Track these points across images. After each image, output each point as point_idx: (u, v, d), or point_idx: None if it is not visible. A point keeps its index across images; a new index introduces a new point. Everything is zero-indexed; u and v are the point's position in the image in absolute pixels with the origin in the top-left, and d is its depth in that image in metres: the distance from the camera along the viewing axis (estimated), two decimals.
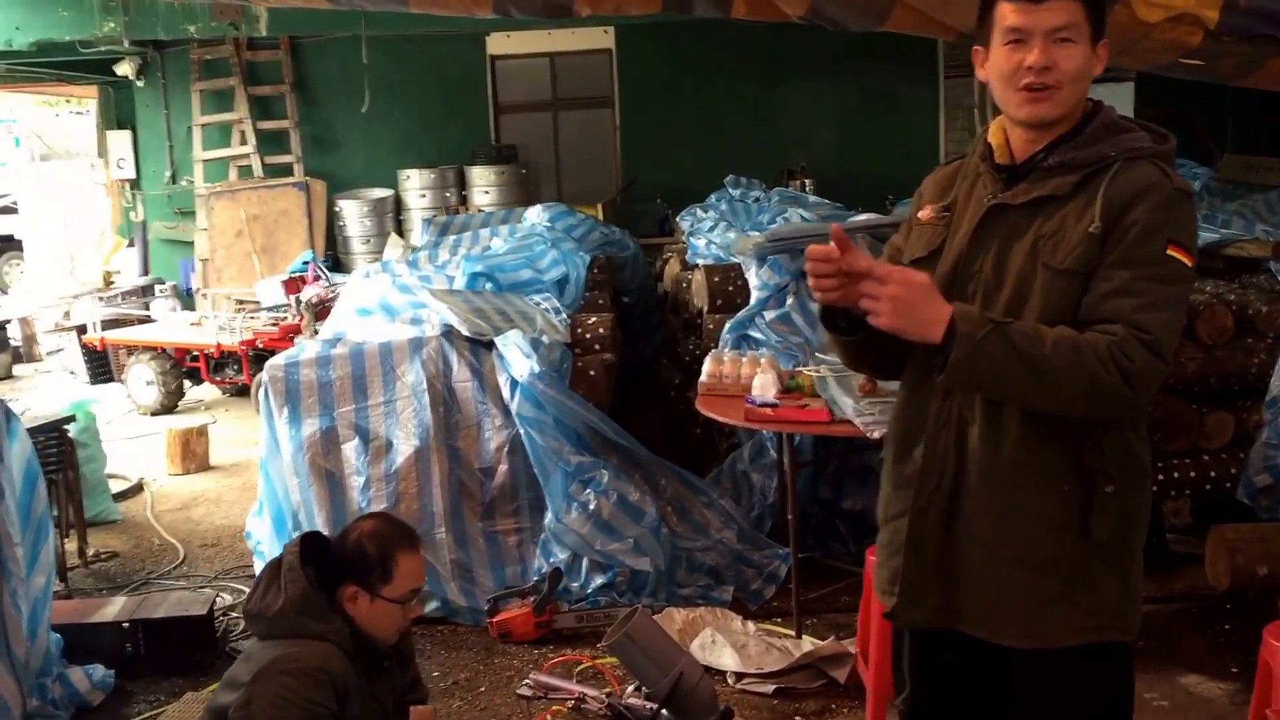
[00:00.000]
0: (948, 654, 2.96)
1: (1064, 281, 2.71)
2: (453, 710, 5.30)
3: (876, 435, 5.20)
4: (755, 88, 14.32)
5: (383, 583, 3.60)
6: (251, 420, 9.65)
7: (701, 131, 14.11)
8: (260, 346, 10.87)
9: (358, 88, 13.69)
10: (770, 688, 5.27)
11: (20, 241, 19.73)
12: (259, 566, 6.48)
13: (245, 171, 14.53)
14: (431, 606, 6.18)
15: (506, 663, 5.75)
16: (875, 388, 5.41)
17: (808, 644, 5.57)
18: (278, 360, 6.75)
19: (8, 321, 15.08)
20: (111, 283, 15.26)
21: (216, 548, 7.69)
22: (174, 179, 14.92)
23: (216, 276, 14.04)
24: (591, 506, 6.17)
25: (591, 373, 6.93)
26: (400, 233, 13.94)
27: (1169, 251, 2.68)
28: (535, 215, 9.32)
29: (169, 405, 11.69)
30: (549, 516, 6.29)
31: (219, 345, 11.11)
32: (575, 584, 6.19)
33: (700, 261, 8.12)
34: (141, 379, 11.66)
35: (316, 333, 8.67)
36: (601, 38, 14.36)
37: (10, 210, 20.66)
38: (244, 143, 14.52)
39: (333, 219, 14.19)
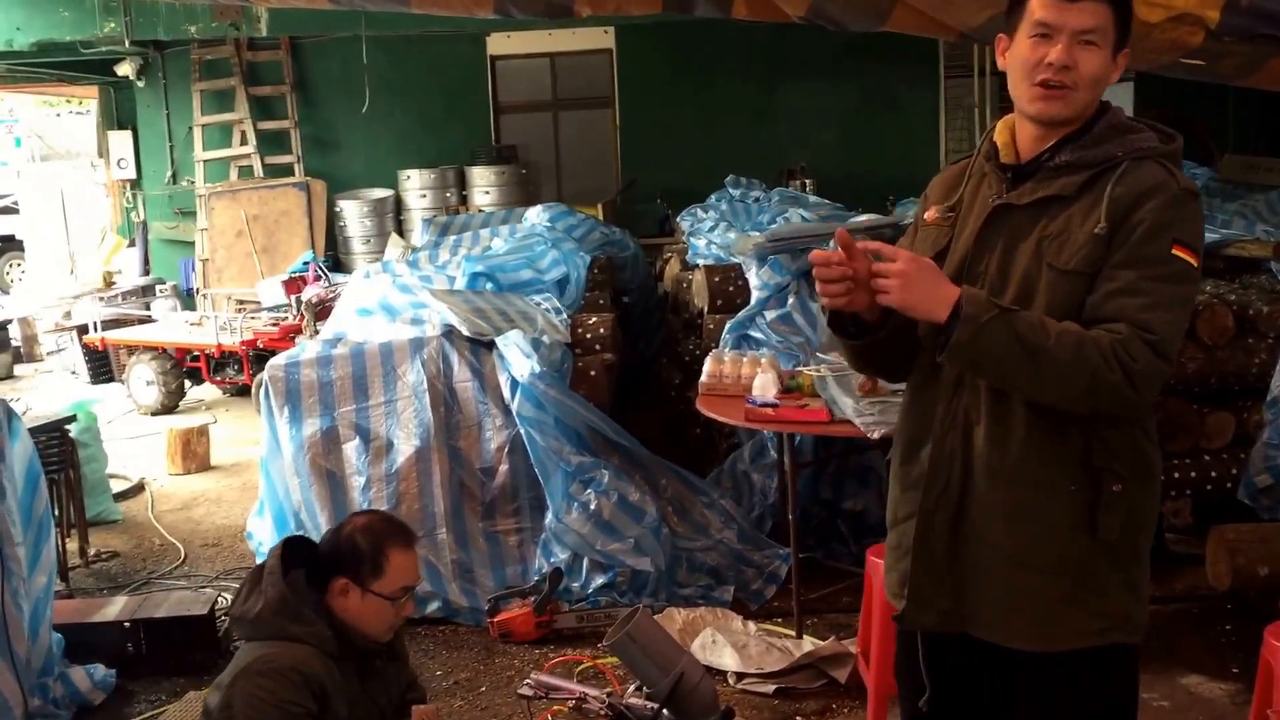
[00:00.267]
0: (955, 656, 2.95)
1: (1069, 282, 2.71)
2: (454, 710, 5.30)
3: (876, 435, 5.21)
4: (756, 88, 14.32)
5: (373, 577, 3.60)
6: (252, 420, 9.65)
7: (702, 132, 14.12)
8: (261, 346, 10.88)
9: (358, 88, 13.70)
10: (771, 688, 5.28)
11: (21, 241, 19.75)
12: None
13: (246, 172, 14.54)
14: (433, 607, 6.19)
15: (507, 662, 5.76)
16: (875, 387, 5.41)
17: (808, 644, 5.57)
18: (278, 360, 6.75)
19: (9, 321, 15.09)
20: (112, 283, 15.26)
21: (217, 547, 7.70)
22: (175, 179, 14.93)
23: (217, 276, 14.05)
24: (592, 506, 6.17)
25: (592, 373, 6.93)
26: (400, 233, 13.94)
27: (1174, 251, 2.67)
28: (535, 215, 9.32)
29: (170, 405, 11.70)
30: (549, 516, 6.29)
31: (220, 345, 11.12)
32: (576, 584, 6.19)
33: (700, 261, 8.12)
34: (142, 379, 11.66)
35: (317, 333, 8.68)
36: (602, 38, 14.37)
37: (11, 210, 20.67)
38: (244, 143, 14.52)
39: (333, 219, 14.19)
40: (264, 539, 6.65)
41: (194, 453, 9.67)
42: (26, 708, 4.93)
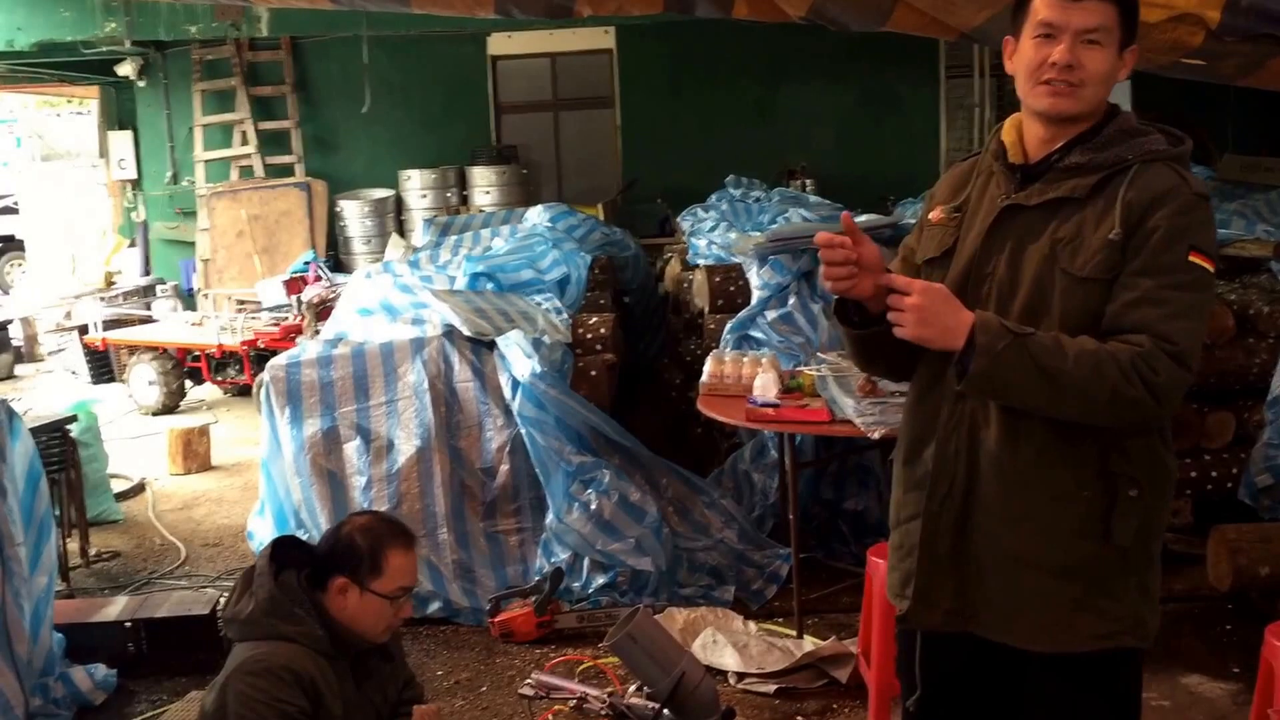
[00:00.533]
0: (958, 657, 2.95)
1: (1084, 289, 2.70)
2: (455, 710, 5.31)
3: (877, 435, 5.21)
4: (756, 88, 14.33)
5: (372, 576, 3.61)
6: (253, 420, 9.65)
7: (702, 132, 14.12)
8: (262, 346, 10.87)
9: (359, 88, 13.71)
10: (772, 688, 5.28)
11: (22, 242, 19.73)
12: None
13: (246, 172, 14.55)
14: (434, 606, 6.20)
15: (508, 662, 5.76)
16: (875, 388, 5.42)
17: (809, 644, 5.57)
18: (279, 360, 6.76)
19: (10, 321, 15.09)
20: (113, 283, 15.28)
21: (218, 547, 7.70)
22: (175, 179, 14.94)
23: (218, 277, 14.05)
24: (593, 506, 6.17)
25: (593, 373, 6.93)
26: (401, 233, 13.94)
27: (1191, 259, 2.66)
28: (536, 215, 9.32)
29: (170, 405, 11.70)
30: (550, 516, 6.29)
31: (220, 345, 11.12)
32: (577, 584, 6.19)
33: (701, 261, 8.12)
34: (143, 379, 11.67)
35: (318, 333, 8.67)
36: (602, 38, 14.37)
37: (12, 210, 20.67)
38: (245, 143, 14.53)
39: (334, 219, 14.20)
40: (265, 539, 6.64)
41: (195, 453, 9.67)
42: (27, 708, 4.94)
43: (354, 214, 14.05)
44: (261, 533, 6.74)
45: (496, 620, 5.98)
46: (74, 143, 21.39)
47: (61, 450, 7.08)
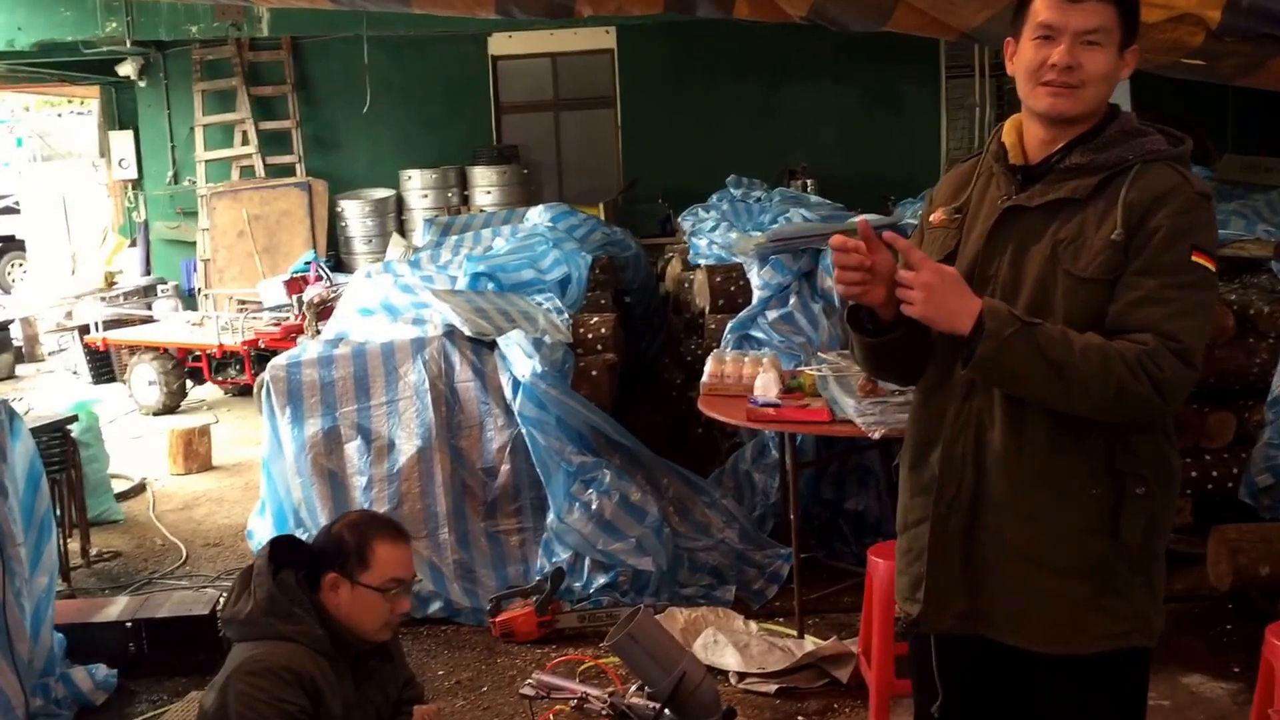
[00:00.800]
0: (968, 659, 2.95)
1: (1087, 289, 2.70)
2: (456, 710, 5.31)
3: (878, 435, 5.21)
4: (757, 88, 14.33)
5: (360, 569, 3.60)
6: (254, 420, 9.66)
7: (703, 132, 14.12)
8: (262, 346, 10.88)
9: (359, 88, 13.69)
10: (773, 687, 5.28)
11: (23, 242, 19.75)
12: None
13: (247, 172, 14.55)
14: (435, 606, 6.20)
15: (509, 662, 5.77)
16: (876, 388, 5.42)
17: (810, 644, 5.57)
18: (280, 360, 6.76)
19: (10, 321, 15.10)
20: (114, 283, 15.28)
21: (219, 547, 7.70)
22: (176, 179, 14.94)
23: (219, 276, 14.06)
24: (594, 506, 6.18)
25: (593, 373, 6.93)
26: (402, 233, 13.94)
27: (1194, 258, 2.67)
28: (537, 215, 9.31)
29: (171, 405, 11.71)
30: (551, 516, 6.29)
31: (221, 345, 11.12)
32: (577, 584, 6.19)
33: (702, 261, 8.12)
34: (144, 379, 11.67)
35: (319, 333, 8.68)
36: (603, 38, 14.37)
37: (13, 210, 20.68)
38: (246, 143, 14.53)
39: (335, 219, 14.20)
40: (265, 539, 6.62)
41: (195, 453, 9.67)
42: (28, 708, 4.94)
43: (355, 214, 14.05)
44: (262, 532, 6.74)
45: (497, 620, 5.98)
46: (75, 143, 21.42)
47: (62, 450, 7.09)
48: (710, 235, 8.40)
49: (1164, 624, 2.88)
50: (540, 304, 7.47)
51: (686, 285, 8.38)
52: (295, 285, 11.42)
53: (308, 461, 6.43)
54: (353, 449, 6.47)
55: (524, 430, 6.34)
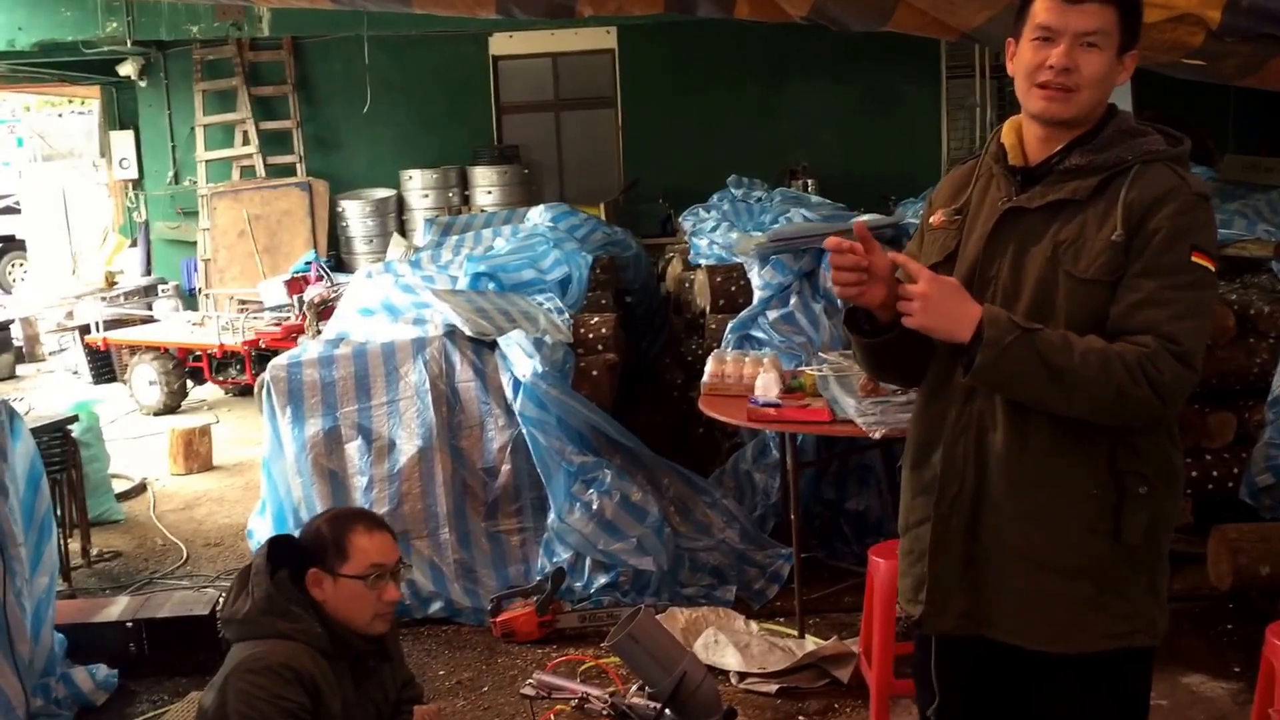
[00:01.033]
0: (970, 660, 2.95)
1: (1088, 290, 2.71)
2: (457, 710, 5.31)
3: (878, 435, 5.21)
4: (757, 88, 14.32)
5: (339, 560, 3.61)
6: (254, 420, 9.66)
7: (704, 132, 14.12)
8: (263, 346, 10.89)
9: (360, 88, 13.71)
10: (773, 687, 5.28)
11: (23, 242, 19.76)
12: None
13: (248, 172, 14.55)
14: (435, 607, 6.20)
15: (510, 662, 5.77)
16: (876, 387, 5.41)
17: (811, 644, 5.58)
18: (281, 360, 6.76)
19: (11, 321, 15.10)
20: (114, 283, 15.27)
21: (219, 547, 7.71)
22: (177, 179, 14.93)
23: (219, 276, 14.06)
24: (594, 506, 6.18)
25: (594, 373, 6.93)
26: (403, 233, 13.94)
27: (1193, 259, 2.68)
28: (538, 215, 9.32)
29: (172, 405, 11.71)
30: (552, 516, 6.29)
31: (222, 345, 11.12)
32: (578, 584, 6.19)
33: (703, 261, 8.12)
34: (144, 379, 11.67)
35: (319, 333, 8.68)
36: (604, 38, 14.37)
37: (13, 210, 20.69)
38: (247, 143, 14.53)
39: (335, 219, 14.20)
40: (266, 539, 6.64)
41: (196, 453, 9.67)
42: (29, 708, 4.94)
43: (355, 214, 14.05)
44: (262, 532, 6.73)
45: (498, 620, 5.98)
46: (75, 143, 21.43)
47: (63, 450, 7.09)
48: (711, 235, 8.40)
49: (1167, 623, 2.88)
50: (541, 304, 7.47)
51: (687, 285, 8.38)
52: (296, 285, 11.42)
53: (308, 461, 6.43)
54: (353, 449, 6.47)
55: (525, 430, 6.34)
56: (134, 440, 10.66)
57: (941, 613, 2.92)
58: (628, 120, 14.65)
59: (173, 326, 12.37)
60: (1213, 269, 2.71)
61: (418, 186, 14.10)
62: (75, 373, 13.58)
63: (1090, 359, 2.61)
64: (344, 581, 3.61)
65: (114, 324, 12.56)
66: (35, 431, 5.86)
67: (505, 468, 6.47)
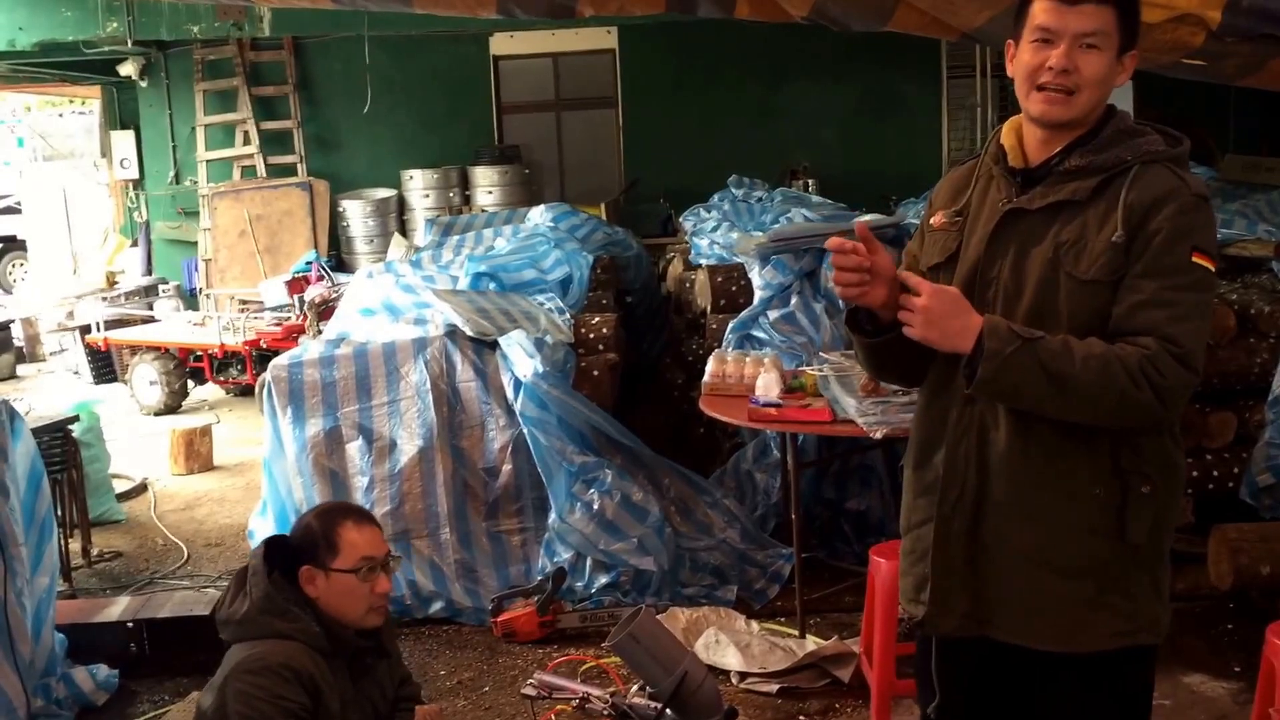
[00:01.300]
0: (972, 660, 2.95)
1: (1089, 291, 2.72)
2: (457, 710, 5.31)
3: (879, 435, 5.21)
4: (758, 88, 14.32)
5: (330, 555, 3.63)
6: (255, 420, 9.67)
7: (704, 132, 14.11)
8: (264, 346, 10.89)
9: (361, 88, 13.70)
10: (774, 687, 5.28)
11: (24, 242, 19.76)
12: None
13: (249, 171, 14.55)
14: (436, 606, 6.21)
15: (511, 662, 5.77)
16: (877, 387, 5.41)
17: (811, 643, 5.58)
18: (281, 360, 6.76)
19: (11, 321, 15.10)
20: (115, 283, 15.28)
21: (220, 547, 7.71)
22: (177, 179, 14.93)
23: (220, 276, 14.06)
24: (595, 506, 6.18)
25: (595, 373, 6.93)
26: (404, 233, 13.95)
27: (1194, 259, 2.68)
28: (538, 215, 9.32)
29: (173, 405, 11.71)
30: (553, 516, 6.29)
31: (222, 345, 11.13)
32: (579, 584, 6.19)
33: (703, 261, 8.13)
34: (145, 379, 11.67)
35: (320, 333, 8.68)
36: (605, 38, 14.37)
37: (14, 210, 20.69)
38: (247, 143, 14.53)
39: (336, 219, 14.20)
40: (263, 539, 6.65)
41: (197, 453, 9.67)
42: (29, 708, 4.94)
43: (356, 214, 14.06)
44: (263, 532, 6.72)
45: (499, 620, 5.99)
46: (76, 143, 21.43)
47: (63, 450, 7.09)
48: (712, 235, 8.41)
49: (1170, 621, 2.88)
50: (542, 304, 7.47)
51: (688, 285, 8.38)
52: (297, 285, 11.41)
53: (309, 461, 6.43)
54: (354, 449, 6.47)
55: (525, 430, 6.34)
56: (135, 440, 10.65)
57: (944, 613, 2.92)
58: (628, 120, 14.65)
59: (173, 326, 12.37)
60: (1213, 269, 2.72)
61: (418, 186, 14.10)
62: (76, 373, 13.58)
63: (1091, 364, 2.62)
64: (336, 576, 3.63)
65: (115, 324, 12.55)
66: (36, 431, 5.86)
67: (506, 468, 6.47)
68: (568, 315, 7.39)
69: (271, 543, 3.78)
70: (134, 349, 11.90)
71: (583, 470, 6.28)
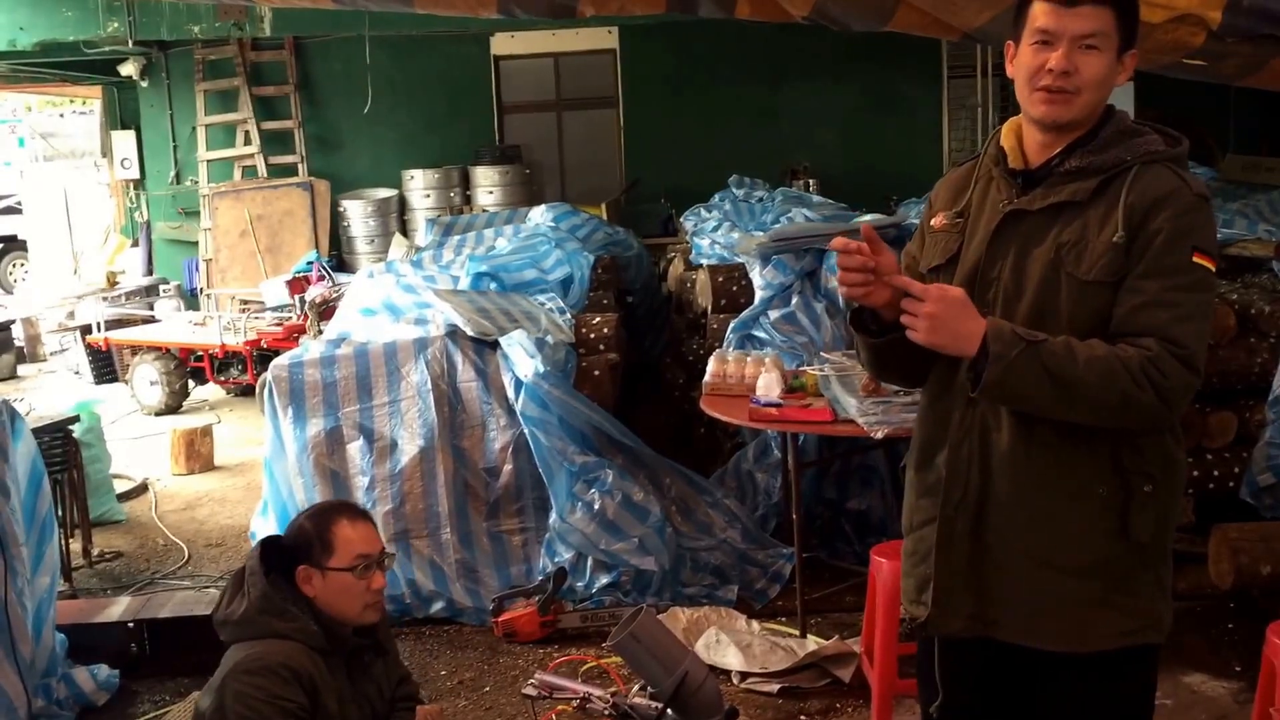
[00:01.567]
0: (976, 660, 2.95)
1: (1090, 292, 2.72)
2: (458, 710, 5.31)
3: (880, 435, 5.21)
4: (759, 88, 14.32)
5: (325, 554, 3.63)
6: (256, 420, 9.67)
7: (705, 131, 14.12)
8: (265, 346, 10.88)
9: (362, 88, 13.70)
10: (775, 687, 5.28)
11: (25, 242, 19.76)
12: None
13: (249, 172, 14.56)
14: (437, 606, 6.21)
15: (512, 662, 5.77)
16: (878, 387, 5.41)
17: (812, 643, 5.58)
18: (282, 360, 6.76)
19: (12, 322, 15.09)
20: (116, 283, 15.27)
21: (221, 548, 7.71)
22: (178, 179, 14.94)
23: (221, 276, 14.06)
24: (596, 506, 6.18)
25: (596, 373, 6.93)
26: (404, 233, 13.95)
27: (1195, 259, 2.68)
28: (539, 215, 9.32)
29: (173, 405, 11.71)
30: (554, 516, 6.29)
31: (223, 345, 11.12)
32: (580, 584, 6.19)
33: (704, 261, 8.13)
34: (146, 379, 11.67)
35: (321, 333, 8.68)
36: (605, 38, 14.37)
37: (15, 210, 20.69)
38: (248, 143, 14.53)
39: (337, 219, 14.20)
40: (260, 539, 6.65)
41: (198, 453, 9.68)
42: (30, 708, 4.94)
43: (357, 214, 14.06)
44: (264, 533, 6.73)
45: (500, 620, 5.99)
46: (77, 143, 21.43)
47: (64, 450, 7.09)
48: (712, 235, 8.41)
49: (1172, 619, 2.89)
50: (543, 304, 7.47)
51: (689, 285, 8.38)
52: (298, 285, 11.41)
53: (310, 461, 6.43)
54: (355, 449, 6.47)
55: (526, 430, 6.34)
56: (135, 440, 10.66)
57: (947, 614, 2.92)
58: (629, 120, 14.66)
59: (174, 326, 12.36)
60: (1213, 269, 2.73)
61: (419, 186, 14.10)
62: (77, 373, 13.59)
63: (1094, 366, 2.62)
64: (333, 575, 3.63)
65: (115, 324, 12.56)
66: (36, 432, 5.87)
67: (507, 467, 6.47)
68: (569, 315, 7.39)
69: (267, 543, 3.79)
70: (135, 349, 11.90)
71: (584, 470, 6.28)
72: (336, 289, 10.75)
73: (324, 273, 11.60)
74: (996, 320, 2.71)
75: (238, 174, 14.59)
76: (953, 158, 13.98)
